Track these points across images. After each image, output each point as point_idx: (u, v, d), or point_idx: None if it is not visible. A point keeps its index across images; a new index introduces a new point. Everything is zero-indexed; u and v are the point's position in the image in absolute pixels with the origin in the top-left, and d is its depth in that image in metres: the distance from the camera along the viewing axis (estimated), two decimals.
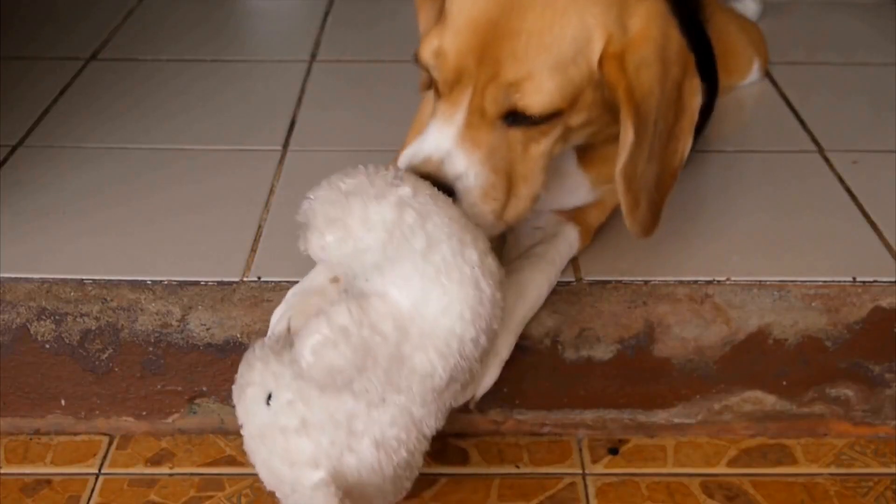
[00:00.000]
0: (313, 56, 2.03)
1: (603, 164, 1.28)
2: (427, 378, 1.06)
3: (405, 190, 1.04)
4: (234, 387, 1.16)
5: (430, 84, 1.19)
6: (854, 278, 1.34)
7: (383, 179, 1.05)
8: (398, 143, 1.35)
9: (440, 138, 1.11)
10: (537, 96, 1.08)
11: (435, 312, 1.04)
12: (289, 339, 1.15)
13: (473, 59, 1.09)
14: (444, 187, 1.10)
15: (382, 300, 1.05)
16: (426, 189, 1.07)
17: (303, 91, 1.88)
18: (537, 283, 1.26)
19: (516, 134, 1.12)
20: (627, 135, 1.11)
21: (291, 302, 1.23)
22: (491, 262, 1.08)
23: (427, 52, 1.12)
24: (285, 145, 1.69)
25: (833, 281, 1.34)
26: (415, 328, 1.04)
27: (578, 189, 1.33)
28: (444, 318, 1.04)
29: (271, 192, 1.55)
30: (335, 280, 1.21)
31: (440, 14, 1.17)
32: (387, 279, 1.06)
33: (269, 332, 1.22)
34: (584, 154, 1.28)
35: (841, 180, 1.58)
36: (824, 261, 1.38)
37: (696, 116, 1.19)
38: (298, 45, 2.08)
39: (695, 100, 1.18)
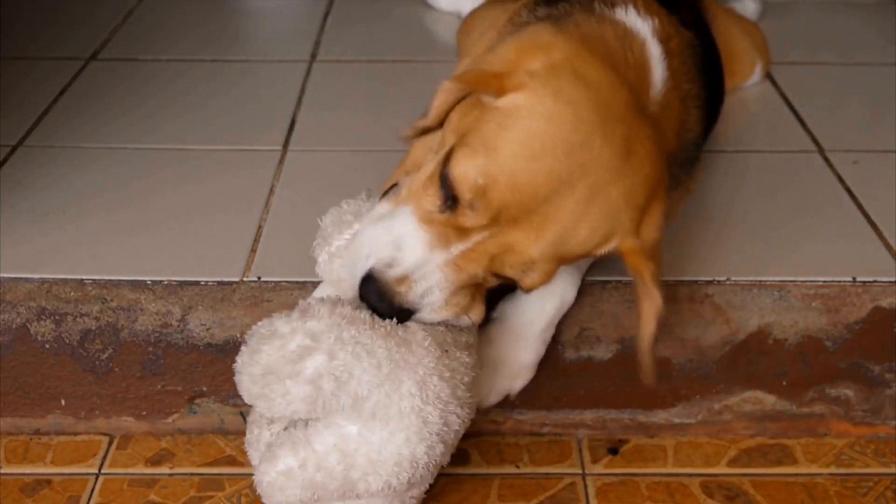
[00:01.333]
0: (313, 56, 2.03)
1: None
2: (384, 490, 1.10)
3: (320, 360, 1.05)
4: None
5: (422, 133, 1.17)
6: (854, 278, 1.34)
7: (298, 346, 1.05)
8: (398, 144, 1.35)
9: (429, 262, 1.07)
10: (539, 279, 1.08)
11: (380, 440, 1.08)
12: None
13: (504, 216, 1.04)
14: (408, 308, 1.08)
15: (331, 430, 1.09)
16: (348, 343, 1.06)
17: (303, 91, 1.88)
18: (564, 288, 1.27)
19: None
20: (656, 306, 1.12)
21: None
22: (435, 382, 1.08)
23: (467, 185, 1.04)
24: (285, 145, 1.69)
25: (833, 281, 1.34)
26: (361, 456, 1.08)
27: None
28: (390, 445, 1.08)
29: (271, 192, 1.55)
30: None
31: (454, 103, 1.13)
32: (328, 418, 1.09)
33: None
34: None
35: (841, 180, 1.58)
36: (824, 261, 1.38)
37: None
38: (298, 45, 2.08)
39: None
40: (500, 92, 1.08)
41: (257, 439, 1.17)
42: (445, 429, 1.10)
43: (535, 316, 1.25)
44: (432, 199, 1.08)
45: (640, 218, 1.10)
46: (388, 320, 1.10)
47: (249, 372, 1.08)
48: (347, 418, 1.08)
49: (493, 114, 1.07)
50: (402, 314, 1.10)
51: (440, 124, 1.16)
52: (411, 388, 1.07)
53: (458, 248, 1.07)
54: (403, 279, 1.07)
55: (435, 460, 1.11)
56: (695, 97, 1.32)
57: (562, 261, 1.09)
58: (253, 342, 1.09)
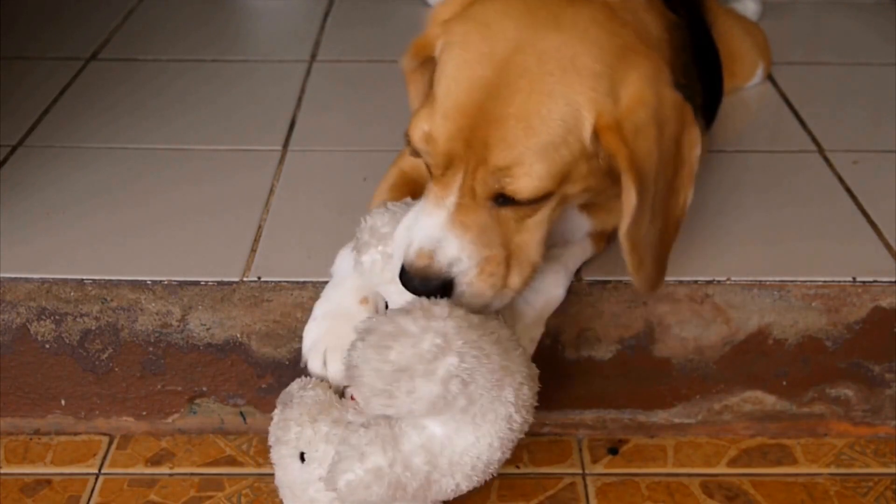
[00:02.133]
0: (313, 56, 2.03)
1: (606, 214, 1.29)
2: (453, 492, 1.14)
3: (452, 361, 1.06)
4: (270, 427, 1.21)
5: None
6: (854, 278, 1.34)
7: (431, 345, 1.06)
8: (398, 144, 1.35)
9: (431, 226, 1.10)
10: (527, 181, 1.08)
11: (465, 444, 1.10)
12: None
13: (462, 143, 1.08)
14: (442, 279, 1.10)
15: (417, 431, 1.10)
16: (473, 347, 1.07)
17: (303, 91, 1.88)
18: (549, 285, 1.26)
19: (508, 212, 1.11)
20: (630, 199, 1.09)
21: (323, 326, 1.23)
22: (526, 391, 1.12)
23: (417, 136, 1.11)
24: (285, 145, 1.69)
25: (833, 281, 1.34)
26: (444, 458, 1.10)
27: (581, 230, 1.33)
28: (474, 449, 1.11)
29: (271, 192, 1.55)
30: (364, 301, 1.22)
31: (429, 88, 1.16)
32: (426, 418, 1.11)
33: (304, 358, 1.24)
34: (585, 205, 1.28)
35: (841, 180, 1.58)
36: (824, 261, 1.38)
37: (695, 167, 1.17)
38: (298, 45, 2.08)
39: (694, 151, 1.16)
40: (430, 49, 1.14)
41: (296, 437, 1.15)
42: (519, 435, 1.13)
43: (519, 313, 1.24)
44: (407, 158, 1.15)
45: (609, 86, 1.08)
46: (493, 326, 1.11)
47: (378, 368, 1.06)
48: (434, 420, 1.09)
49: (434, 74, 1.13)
50: (442, 288, 1.11)
51: None
52: (509, 394, 1.10)
53: (450, 200, 1.10)
54: (422, 254, 1.10)
55: (499, 466, 1.14)
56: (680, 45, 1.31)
57: (542, 150, 1.07)
58: (376, 338, 1.07)
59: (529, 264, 1.15)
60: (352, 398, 1.18)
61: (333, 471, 1.10)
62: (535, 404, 1.15)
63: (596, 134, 1.08)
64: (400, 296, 1.17)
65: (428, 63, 1.17)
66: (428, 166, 1.13)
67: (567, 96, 1.07)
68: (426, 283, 1.10)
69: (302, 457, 1.15)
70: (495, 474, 1.15)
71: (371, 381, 1.07)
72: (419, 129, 1.10)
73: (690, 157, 1.16)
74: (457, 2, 1.17)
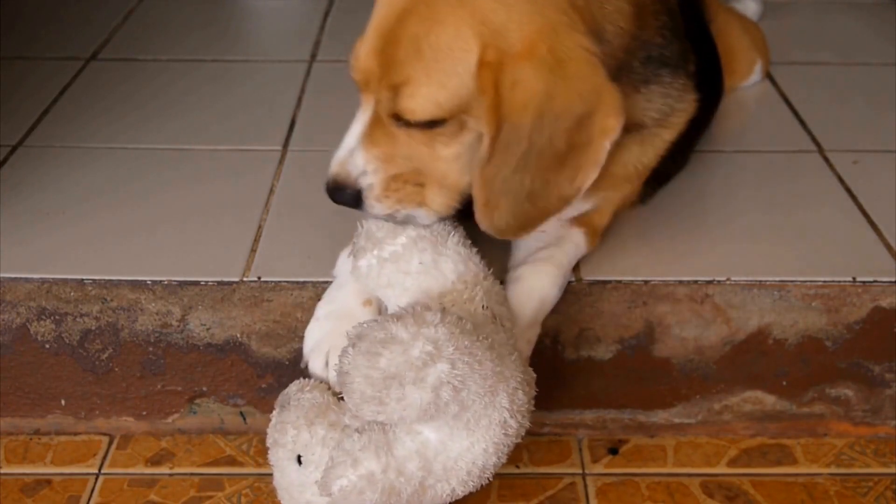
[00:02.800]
0: (313, 56, 2.03)
1: (594, 196, 1.30)
2: (448, 497, 1.14)
3: (443, 368, 1.06)
4: (268, 429, 1.21)
5: None
6: (854, 278, 1.34)
7: (421, 352, 1.06)
8: None
9: (350, 136, 1.18)
10: (413, 102, 1.11)
11: (460, 450, 1.11)
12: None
13: (375, 63, 1.14)
14: (351, 189, 1.17)
15: (411, 437, 1.10)
16: (465, 353, 1.07)
17: (303, 91, 1.88)
18: (543, 285, 1.26)
19: (416, 135, 1.15)
20: (484, 141, 1.12)
21: (326, 327, 1.23)
22: (521, 396, 1.13)
23: (349, 60, 1.17)
24: (285, 145, 1.69)
25: (833, 281, 1.34)
26: (438, 464, 1.11)
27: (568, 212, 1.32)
28: (468, 454, 1.11)
29: (271, 192, 1.55)
30: (368, 302, 1.22)
31: None
32: (419, 424, 1.11)
33: (305, 359, 1.24)
34: None
35: (841, 180, 1.58)
36: (824, 261, 1.38)
37: (601, 156, 1.15)
38: (298, 45, 2.08)
39: (603, 140, 1.14)
40: None
41: (293, 440, 1.16)
42: (515, 440, 1.14)
43: (515, 315, 1.24)
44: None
45: (502, 26, 1.09)
46: (489, 328, 1.13)
47: (367, 374, 1.06)
48: (428, 426, 1.10)
49: None
50: (353, 200, 1.18)
51: None
52: (503, 400, 1.10)
53: (365, 116, 1.16)
54: (338, 163, 1.18)
55: (495, 470, 1.14)
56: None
57: (430, 72, 1.10)
58: (367, 345, 1.07)
59: (453, 187, 1.18)
60: None
61: (327, 476, 1.10)
62: (532, 409, 1.15)
63: (477, 68, 1.10)
64: (396, 299, 1.17)
65: None
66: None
67: (456, 26, 1.10)
68: (338, 192, 1.18)
69: (299, 459, 1.15)
70: (491, 479, 1.15)
71: (361, 388, 1.07)
72: (353, 49, 1.17)
73: (597, 143, 1.14)
74: None
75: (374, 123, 1.16)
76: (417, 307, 1.10)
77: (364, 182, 1.17)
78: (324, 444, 1.14)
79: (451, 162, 1.16)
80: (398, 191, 1.17)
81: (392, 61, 1.12)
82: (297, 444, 1.15)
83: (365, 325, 1.10)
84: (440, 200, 1.18)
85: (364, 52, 1.15)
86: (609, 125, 1.13)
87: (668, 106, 1.31)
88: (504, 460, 1.15)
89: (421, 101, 1.11)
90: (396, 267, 1.17)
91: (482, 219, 1.17)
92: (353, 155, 1.17)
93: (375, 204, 1.17)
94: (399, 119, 1.14)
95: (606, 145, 1.14)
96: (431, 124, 1.13)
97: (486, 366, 1.08)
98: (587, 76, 1.12)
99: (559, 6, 1.12)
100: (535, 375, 1.17)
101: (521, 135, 1.11)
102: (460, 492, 1.13)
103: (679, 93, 1.33)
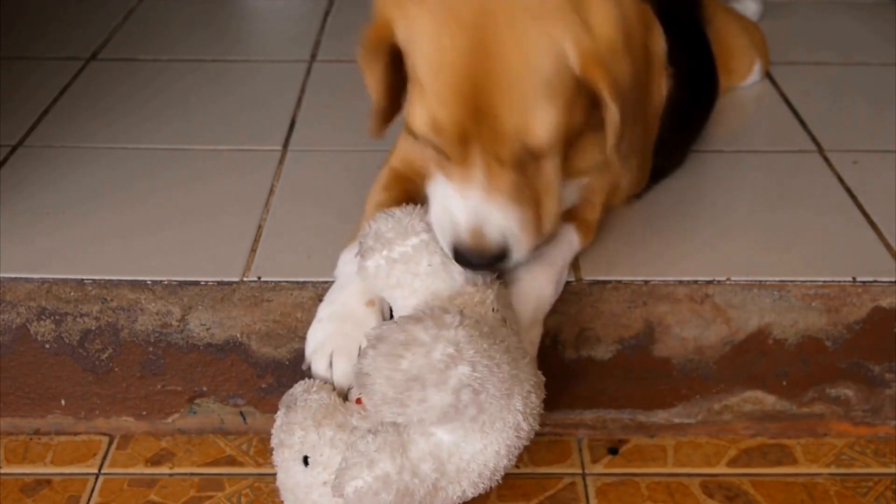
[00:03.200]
0: (313, 56, 2.03)
1: (570, 160, 1.28)
2: (455, 500, 1.14)
3: (464, 370, 1.05)
4: (273, 429, 1.20)
5: (381, 118, 1.20)
6: (854, 278, 1.34)
7: (443, 354, 1.05)
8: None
9: (470, 205, 1.11)
10: (544, 129, 1.08)
11: (473, 452, 1.11)
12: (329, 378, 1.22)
13: (469, 117, 1.07)
14: (498, 250, 1.12)
15: (425, 438, 1.10)
16: (484, 356, 1.07)
17: (303, 91, 1.88)
18: (539, 284, 1.26)
19: (530, 164, 1.12)
20: (614, 120, 1.11)
21: (328, 328, 1.22)
22: (534, 399, 1.13)
23: (420, 126, 1.10)
24: (285, 145, 1.69)
25: (833, 281, 1.34)
26: (452, 465, 1.11)
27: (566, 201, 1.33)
28: (481, 456, 1.11)
29: (271, 192, 1.55)
30: (371, 303, 1.22)
31: (385, 71, 1.17)
32: (435, 426, 1.11)
33: (307, 360, 1.23)
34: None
35: (841, 180, 1.58)
36: (824, 261, 1.38)
37: (663, 58, 1.18)
38: (298, 45, 2.08)
39: (659, 46, 1.17)
40: (389, 35, 1.13)
41: (300, 441, 1.15)
42: (526, 443, 1.14)
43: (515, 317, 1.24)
44: (437, 157, 1.13)
45: (579, 15, 1.08)
46: (504, 331, 1.12)
47: (389, 376, 1.06)
48: (442, 427, 1.09)
49: (405, 57, 1.12)
50: (499, 259, 1.13)
51: (389, 98, 1.19)
52: (518, 402, 1.10)
53: (478, 175, 1.10)
54: (474, 232, 1.11)
55: (504, 472, 1.15)
56: None
57: (544, 95, 1.07)
58: (388, 347, 1.07)
59: (555, 206, 1.17)
60: (357, 401, 1.18)
61: (341, 477, 1.09)
62: (541, 411, 1.15)
63: (581, 66, 1.09)
64: (404, 300, 1.17)
65: (382, 49, 1.16)
66: (439, 152, 1.12)
67: (547, 35, 1.07)
68: (484, 258, 1.12)
69: (305, 460, 1.15)
70: (500, 481, 1.15)
71: (382, 390, 1.06)
72: (420, 118, 1.09)
73: (657, 53, 1.17)
74: None
75: (490, 175, 1.10)
76: (436, 309, 1.10)
77: (509, 235, 1.12)
78: (332, 446, 1.14)
79: (552, 172, 1.15)
80: (531, 227, 1.13)
81: (498, 103, 1.06)
82: (304, 445, 1.15)
83: (384, 326, 1.10)
84: (549, 223, 1.17)
85: (450, 114, 1.08)
86: (658, 33, 1.17)
87: None
88: (514, 462, 1.15)
89: (550, 125, 1.08)
90: (406, 268, 1.17)
91: (629, 185, 1.19)
92: (488, 219, 1.11)
93: (517, 253, 1.13)
94: (522, 155, 1.10)
95: (663, 47, 1.17)
96: (548, 148, 1.11)
97: (503, 369, 1.08)
98: (635, 7, 1.14)
99: None
100: (544, 379, 1.17)
101: (627, 98, 1.11)
102: (470, 493, 1.13)
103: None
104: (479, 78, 1.06)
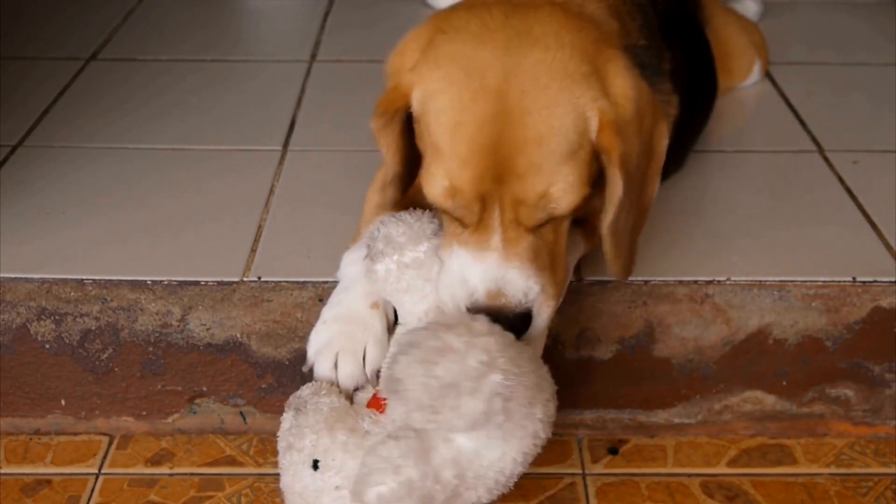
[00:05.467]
0: (313, 56, 2.03)
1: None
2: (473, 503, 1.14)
3: (497, 378, 1.06)
4: (280, 432, 1.19)
5: (398, 183, 1.19)
6: (854, 278, 1.34)
7: (477, 362, 1.05)
8: None
9: (488, 269, 1.09)
10: (569, 197, 1.07)
11: (492, 458, 1.11)
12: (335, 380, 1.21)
13: (490, 183, 1.06)
14: (521, 311, 1.10)
15: (447, 444, 1.10)
16: (514, 364, 1.07)
17: (303, 91, 1.88)
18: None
19: (547, 229, 1.11)
20: (616, 193, 1.10)
21: (333, 329, 1.22)
22: (552, 407, 1.13)
23: (438, 194, 1.08)
24: (285, 145, 1.69)
25: (833, 281, 1.34)
26: (471, 472, 1.11)
27: None
28: (499, 463, 1.11)
29: (271, 192, 1.55)
30: (375, 305, 1.22)
31: (401, 138, 1.15)
32: (442, 431, 1.10)
33: (309, 361, 1.22)
34: None
35: (841, 180, 1.58)
36: (824, 261, 1.38)
37: (663, 158, 1.19)
38: (298, 45, 2.08)
39: (663, 143, 1.18)
40: (404, 101, 1.12)
41: (312, 445, 1.14)
42: (539, 451, 1.14)
43: None
44: (451, 226, 1.12)
45: (600, 84, 1.08)
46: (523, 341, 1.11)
47: (425, 383, 1.06)
48: (465, 434, 1.09)
49: (417, 124, 1.11)
50: (523, 318, 1.10)
51: (405, 164, 1.18)
52: (538, 410, 1.11)
53: (496, 240, 1.08)
54: (492, 294, 1.09)
55: (516, 479, 1.15)
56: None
57: (568, 161, 1.06)
58: (422, 353, 1.07)
59: (563, 270, 1.16)
60: (368, 405, 1.17)
61: (362, 483, 1.09)
62: (554, 419, 1.15)
63: (598, 133, 1.08)
64: (413, 305, 1.17)
65: (397, 117, 1.15)
66: (453, 220, 1.11)
67: (571, 103, 1.07)
68: (509, 319, 1.09)
69: (315, 464, 1.14)
70: (513, 487, 1.15)
71: (417, 396, 1.07)
72: (438, 185, 1.08)
73: (659, 149, 1.17)
74: (411, 49, 1.15)
75: (508, 240, 1.08)
76: (464, 316, 1.09)
77: (531, 298, 1.09)
78: (345, 450, 1.13)
79: (561, 238, 1.14)
80: (554, 294, 1.12)
81: (523, 170, 1.05)
82: (316, 449, 1.14)
83: (416, 332, 1.10)
84: (561, 290, 1.16)
85: (470, 180, 1.06)
86: (664, 128, 1.17)
87: (666, 114, 1.34)
88: (526, 469, 1.15)
89: (574, 192, 1.07)
90: (417, 273, 1.17)
91: (616, 270, 1.17)
92: (507, 281, 1.09)
93: (540, 316, 1.11)
94: (543, 219, 1.09)
95: (665, 145, 1.17)
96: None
97: (528, 377, 1.09)
98: (650, 95, 1.15)
99: (614, 45, 1.14)
100: (556, 387, 1.17)
101: (632, 175, 1.11)
102: (486, 499, 1.13)
103: (668, 97, 1.36)
104: (502, 141, 1.05)
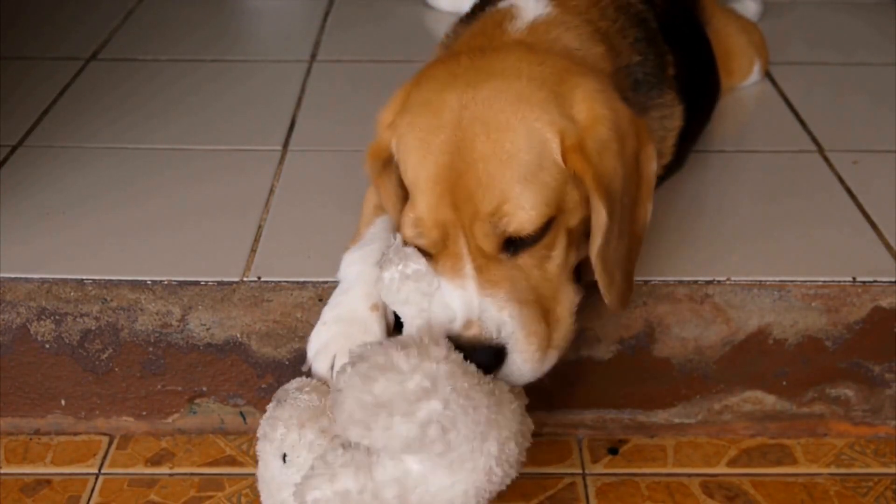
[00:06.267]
0: (313, 56, 2.03)
1: None
2: None
3: (435, 406, 1.04)
4: (261, 420, 1.19)
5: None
6: (854, 278, 1.34)
7: (417, 386, 1.04)
8: None
9: (463, 297, 1.10)
10: (522, 214, 1.08)
11: (439, 486, 1.08)
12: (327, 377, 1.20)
13: (448, 208, 1.09)
14: (493, 345, 1.09)
15: (394, 463, 1.08)
16: (461, 395, 1.06)
17: (303, 91, 1.88)
18: None
19: (525, 260, 1.11)
20: (600, 219, 1.10)
21: (333, 330, 1.22)
22: (513, 447, 1.11)
23: (408, 231, 1.12)
24: (285, 145, 1.69)
25: (833, 281, 1.34)
26: (416, 496, 1.08)
27: None
28: (448, 492, 1.09)
29: (271, 192, 1.55)
30: (375, 308, 1.22)
31: (399, 187, 1.19)
32: (402, 454, 1.09)
33: (308, 362, 1.22)
34: None
35: (841, 180, 1.58)
36: (824, 261, 1.38)
37: (653, 182, 1.19)
38: (298, 45, 2.08)
39: (651, 166, 1.18)
40: (387, 153, 1.18)
41: (281, 438, 1.15)
42: (500, 488, 1.12)
43: None
44: (431, 263, 1.14)
45: (560, 107, 1.10)
46: (489, 377, 1.10)
47: (359, 398, 1.05)
48: (412, 457, 1.08)
49: (398, 172, 1.17)
50: (495, 357, 1.10)
51: (401, 212, 1.19)
52: (492, 447, 1.09)
53: (466, 267, 1.10)
54: (469, 324, 1.10)
55: None
56: (622, 31, 1.34)
57: (522, 181, 1.07)
58: (365, 368, 1.06)
59: (568, 315, 1.16)
60: None
61: (304, 485, 1.09)
62: (523, 460, 1.14)
63: (564, 157, 1.09)
64: (411, 318, 1.17)
65: (389, 164, 1.20)
66: (426, 249, 1.13)
67: (525, 126, 1.09)
68: (478, 352, 1.09)
69: (284, 458, 1.14)
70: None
71: (351, 409, 1.06)
72: (407, 221, 1.12)
73: (648, 172, 1.19)
74: (395, 103, 1.21)
75: (479, 268, 1.10)
76: (425, 338, 1.09)
77: (505, 333, 1.09)
78: (310, 449, 1.13)
79: (558, 275, 1.14)
80: (536, 333, 1.10)
81: (474, 190, 1.08)
82: (284, 443, 1.14)
83: (369, 346, 1.10)
84: (560, 336, 1.15)
85: (429, 207, 1.10)
86: (651, 151, 1.18)
87: (664, 128, 1.38)
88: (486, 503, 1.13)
89: (529, 211, 1.08)
90: (417, 286, 1.16)
91: (610, 300, 1.16)
92: (482, 310, 1.09)
93: (519, 357, 1.10)
94: (510, 244, 1.10)
95: (654, 169, 1.19)
96: (536, 239, 1.10)
97: (480, 412, 1.07)
98: (630, 117, 1.16)
99: (587, 73, 1.16)
100: (532, 427, 1.16)
101: (616, 200, 1.12)
102: None
103: (671, 108, 1.38)
104: (459, 168, 1.09)
